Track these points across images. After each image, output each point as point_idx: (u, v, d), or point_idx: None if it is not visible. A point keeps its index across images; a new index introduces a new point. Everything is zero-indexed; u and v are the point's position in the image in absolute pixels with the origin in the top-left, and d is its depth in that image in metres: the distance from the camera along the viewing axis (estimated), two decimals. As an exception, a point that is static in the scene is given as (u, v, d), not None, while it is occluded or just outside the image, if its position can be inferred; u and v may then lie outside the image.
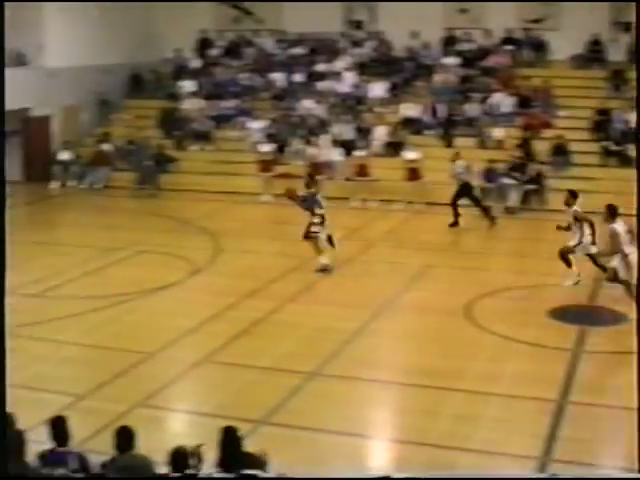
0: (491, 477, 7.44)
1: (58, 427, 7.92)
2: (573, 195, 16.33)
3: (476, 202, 22.08)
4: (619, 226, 14.89)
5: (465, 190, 21.79)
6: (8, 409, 7.95)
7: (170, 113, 29.16)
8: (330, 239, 18.02)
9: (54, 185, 27.38)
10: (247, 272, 17.64)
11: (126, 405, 11.30)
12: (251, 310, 15.17)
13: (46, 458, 7.72)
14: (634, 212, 12.62)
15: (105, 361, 13.07)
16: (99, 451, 8.34)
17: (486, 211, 21.94)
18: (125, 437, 7.69)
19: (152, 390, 11.94)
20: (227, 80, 30.52)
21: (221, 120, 28.83)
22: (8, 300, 16.15)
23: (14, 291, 16.41)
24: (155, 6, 31.57)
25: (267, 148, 26.09)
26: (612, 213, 15.01)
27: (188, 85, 30.32)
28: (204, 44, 32.28)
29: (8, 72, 26.01)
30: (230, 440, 7.50)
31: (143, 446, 7.68)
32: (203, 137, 28.25)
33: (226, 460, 7.33)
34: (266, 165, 25.62)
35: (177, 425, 11.58)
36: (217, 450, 7.42)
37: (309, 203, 17.79)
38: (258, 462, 7.47)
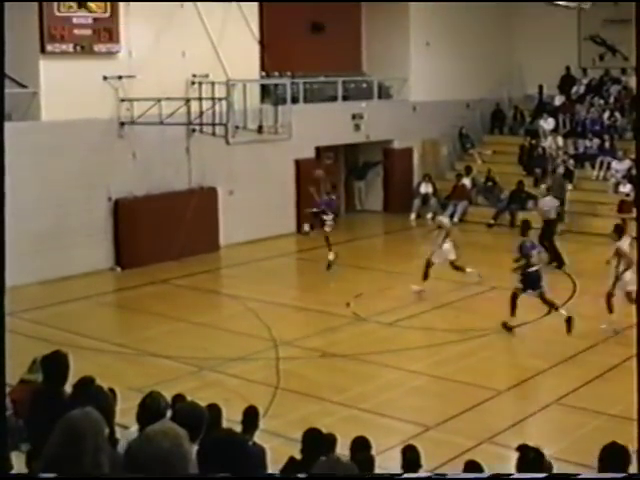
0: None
1: (409, 456, 7.99)
2: None
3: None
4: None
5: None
6: (361, 433, 8.15)
7: (530, 150, 28.96)
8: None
9: (412, 217, 27.95)
10: (603, 315, 17.03)
11: (473, 440, 11.24)
12: (607, 355, 14.64)
13: (394, 485, 7.80)
14: None
15: (454, 394, 13.13)
16: (445, 484, 8.33)
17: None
18: (473, 472, 7.61)
19: (499, 427, 11.80)
20: (589, 118, 29.85)
21: (582, 159, 28.23)
22: (364, 327, 16.78)
23: (369, 319, 17.07)
24: (519, 42, 31.59)
25: (627, 189, 25.23)
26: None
27: (549, 122, 29.97)
28: (567, 81, 31.77)
29: (373, 104, 26.98)
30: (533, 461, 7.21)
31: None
32: (563, 176, 27.75)
33: None
34: (626, 206, 24.74)
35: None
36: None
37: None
38: None
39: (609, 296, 16.00)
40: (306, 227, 21.34)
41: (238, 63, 22.81)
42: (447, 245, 18.55)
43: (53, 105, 20.07)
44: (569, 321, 15.77)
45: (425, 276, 18.42)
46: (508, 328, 16.01)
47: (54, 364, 7.48)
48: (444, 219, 19.52)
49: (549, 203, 22.04)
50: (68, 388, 7.48)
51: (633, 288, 15.37)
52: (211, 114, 20.87)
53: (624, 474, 6.36)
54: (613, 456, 6.90)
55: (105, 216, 21.33)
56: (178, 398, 8.19)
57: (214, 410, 7.72)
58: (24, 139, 18.53)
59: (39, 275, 19.26)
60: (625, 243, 16.25)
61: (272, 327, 16.42)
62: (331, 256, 20.56)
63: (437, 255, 18.49)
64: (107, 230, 21.37)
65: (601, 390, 13.24)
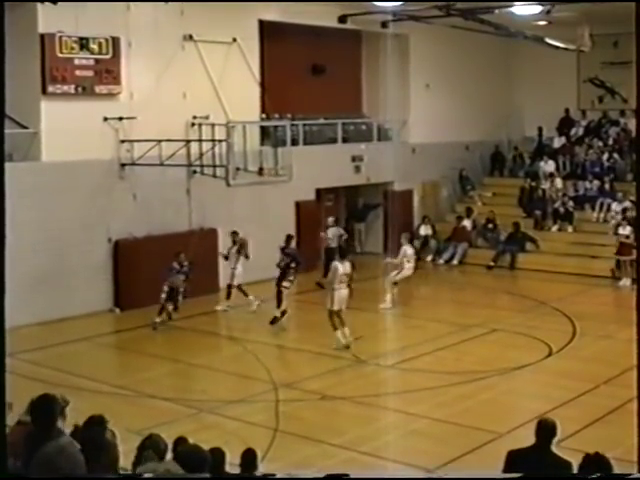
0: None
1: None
2: None
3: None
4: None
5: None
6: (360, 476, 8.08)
7: (530, 192, 29.03)
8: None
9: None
10: (603, 357, 17.00)
11: (474, 484, 11.12)
12: (607, 397, 14.55)
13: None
14: None
15: (455, 437, 13.02)
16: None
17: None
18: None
19: (500, 470, 11.68)
20: (589, 160, 29.94)
21: (581, 201, 28.28)
22: (364, 370, 16.69)
23: (369, 361, 16.99)
24: (518, 84, 31.82)
25: (627, 231, 25.24)
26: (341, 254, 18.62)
27: (549, 164, 30.07)
28: (566, 123, 31.91)
29: (373, 146, 27.19)
30: None
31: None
32: (563, 218, 27.81)
33: None
34: (625, 248, 24.73)
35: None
36: None
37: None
38: None
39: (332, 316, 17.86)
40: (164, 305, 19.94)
41: (238, 105, 22.91)
42: None
43: (54, 146, 20.12)
44: (279, 318, 19.54)
45: None
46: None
47: (40, 407, 7.38)
48: None
49: (334, 232, 24.19)
50: (68, 429, 7.41)
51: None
52: (211, 156, 20.92)
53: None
54: (594, 465, 6.81)
55: (105, 257, 21.31)
56: (180, 441, 8.10)
57: (217, 454, 7.64)
58: (25, 180, 18.56)
59: (38, 316, 19.20)
60: (347, 265, 18.21)
61: (271, 369, 16.34)
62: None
63: None
64: (107, 271, 21.33)
65: (602, 433, 13.13)
